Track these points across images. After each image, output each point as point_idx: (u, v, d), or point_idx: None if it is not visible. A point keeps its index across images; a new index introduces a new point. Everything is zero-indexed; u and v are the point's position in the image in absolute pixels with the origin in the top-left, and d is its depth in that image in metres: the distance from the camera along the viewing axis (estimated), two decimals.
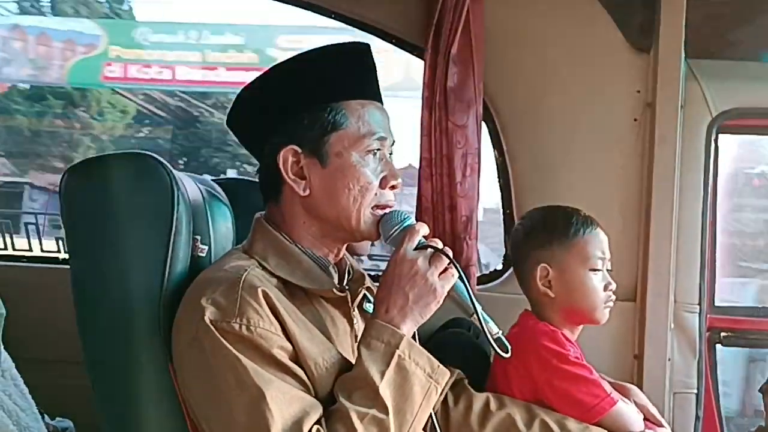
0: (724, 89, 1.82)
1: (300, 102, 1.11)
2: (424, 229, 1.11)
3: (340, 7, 1.81)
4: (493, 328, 1.10)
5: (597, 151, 1.81)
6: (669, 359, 1.78)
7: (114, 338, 1.14)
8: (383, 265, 1.14)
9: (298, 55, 1.15)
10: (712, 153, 1.85)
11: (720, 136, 1.87)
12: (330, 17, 1.84)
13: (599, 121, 1.81)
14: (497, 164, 1.84)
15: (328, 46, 1.15)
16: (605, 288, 1.39)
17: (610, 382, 1.41)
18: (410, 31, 1.79)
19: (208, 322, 1.01)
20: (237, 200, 1.42)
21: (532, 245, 1.40)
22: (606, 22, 1.79)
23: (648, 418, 1.39)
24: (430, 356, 1.06)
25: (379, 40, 1.82)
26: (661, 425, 1.40)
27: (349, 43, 1.16)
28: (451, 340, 1.58)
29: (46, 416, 1.61)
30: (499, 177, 1.84)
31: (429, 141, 1.69)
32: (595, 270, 1.38)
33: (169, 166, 1.16)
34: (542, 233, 1.39)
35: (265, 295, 1.03)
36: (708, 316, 1.85)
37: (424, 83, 1.70)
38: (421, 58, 1.74)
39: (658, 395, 1.73)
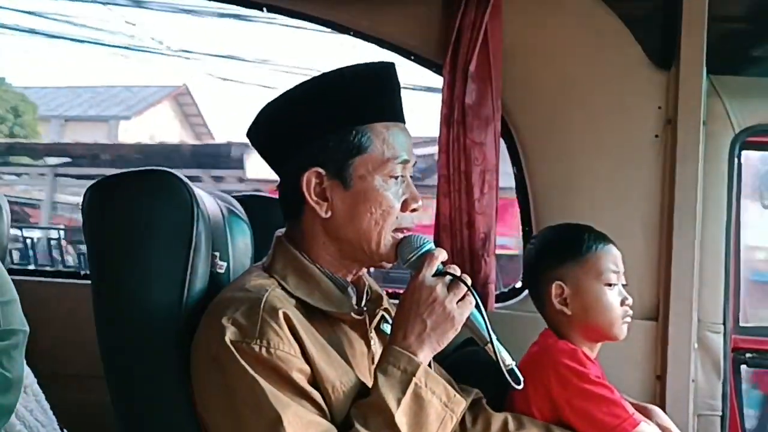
0: (747, 105, 1.80)
1: (325, 124, 1.12)
2: (442, 255, 1.11)
3: (359, 25, 1.82)
4: (506, 359, 1.10)
5: (617, 168, 1.80)
6: (693, 380, 1.75)
7: (133, 355, 1.14)
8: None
9: (325, 74, 1.15)
10: (735, 170, 1.83)
11: (743, 152, 1.85)
12: (349, 34, 1.85)
13: (619, 138, 1.80)
14: (516, 181, 1.84)
15: (354, 66, 1.15)
16: (622, 303, 1.38)
17: (632, 403, 1.39)
18: (429, 47, 1.79)
19: (228, 342, 1.02)
20: (255, 216, 1.43)
21: (545, 264, 1.39)
22: (626, 38, 1.79)
23: None
24: (447, 385, 1.06)
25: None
26: None
27: (375, 63, 1.17)
28: (469, 359, 1.56)
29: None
30: (518, 194, 1.83)
31: (447, 158, 1.69)
32: (610, 285, 1.37)
33: (189, 183, 1.18)
34: (554, 251, 1.39)
35: (286, 317, 1.04)
36: (732, 336, 1.82)
37: (442, 100, 1.70)
38: (440, 75, 1.74)
39: (681, 417, 1.69)
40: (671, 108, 1.78)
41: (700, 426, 1.76)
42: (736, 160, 1.83)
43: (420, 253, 1.11)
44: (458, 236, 1.70)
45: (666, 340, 1.75)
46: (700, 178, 1.76)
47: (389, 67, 1.17)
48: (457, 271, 1.09)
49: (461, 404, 1.06)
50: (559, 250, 1.38)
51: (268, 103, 1.17)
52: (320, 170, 1.11)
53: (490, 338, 1.08)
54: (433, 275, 1.08)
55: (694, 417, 1.75)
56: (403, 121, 1.17)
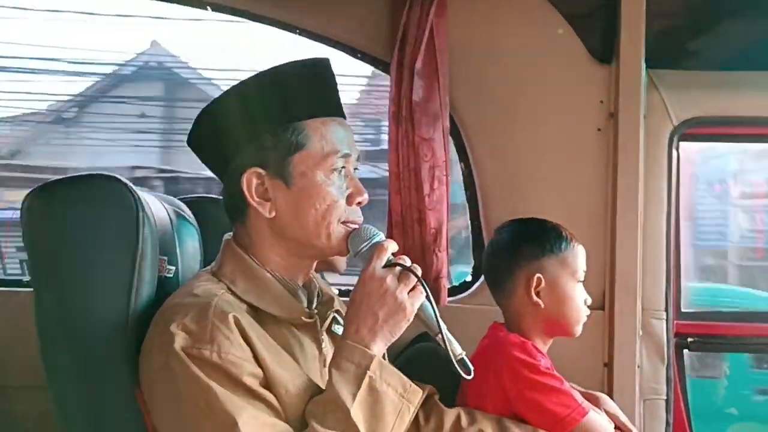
0: (685, 98, 1.86)
1: (261, 123, 1.10)
2: (392, 246, 1.10)
3: (304, 23, 1.81)
4: (456, 349, 1.11)
5: (562, 162, 1.83)
6: (638, 366, 1.80)
7: (78, 365, 1.12)
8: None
9: (257, 74, 1.14)
10: (674, 161, 1.89)
11: (681, 144, 1.91)
12: (295, 33, 1.83)
13: (564, 132, 1.83)
14: (464, 177, 1.85)
15: (286, 64, 1.14)
16: (584, 301, 1.42)
17: (581, 392, 1.42)
18: (375, 45, 1.79)
19: (178, 348, 1.00)
20: (204, 219, 1.41)
21: (521, 257, 1.41)
22: (569, 35, 1.82)
23: (619, 427, 1.41)
24: (402, 375, 1.06)
25: None
26: None
27: (309, 59, 1.15)
28: (421, 354, 1.58)
29: None
30: (466, 189, 1.85)
31: (396, 155, 1.69)
32: (580, 282, 1.42)
33: (133, 187, 1.15)
34: (532, 245, 1.41)
35: (236, 321, 1.03)
36: (675, 321, 1.88)
37: (390, 98, 1.70)
38: (387, 73, 1.74)
39: (628, 402, 1.74)
40: (613, 102, 1.82)
41: (646, 410, 1.81)
42: (675, 151, 1.89)
43: (370, 244, 1.11)
44: (410, 232, 1.70)
45: (612, 329, 1.80)
46: (641, 170, 1.81)
47: (323, 63, 1.16)
48: (407, 262, 1.09)
49: (417, 394, 1.06)
50: (540, 244, 1.40)
51: (205, 108, 1.15)
52: (260, 170, 1.10)
53: (440, 329, 1.09)
54: (384, 266, 1.08)
55: (641, 402, 1.81)
56: (342, 116, 1.16)
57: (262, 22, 1.84)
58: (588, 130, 1.83)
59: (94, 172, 1.15)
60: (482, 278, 1.86)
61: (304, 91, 1.12)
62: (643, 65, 1.81)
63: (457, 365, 1.09)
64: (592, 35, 1.83)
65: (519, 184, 1.82)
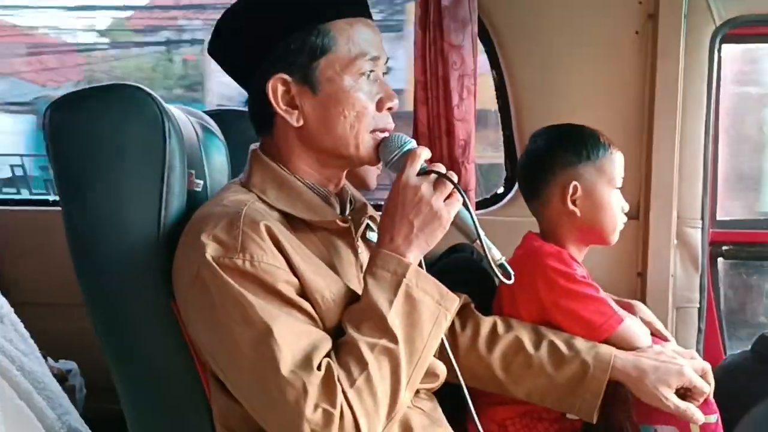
0: None
1: (284, 27, 1.05)
2: (425, 153, 1.06)
3: None
4: (495, 255, 1.08)
5: (598, 67, 1.76)
6: (672, 275, 1.78)
7: (113, 279, 1.11)
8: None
9: None
10: (716, 64, 1.81)
11: (723, 46, 1.82)
12: None
13: (600, 35, 1.76)
14: (495, 84, 1.79)
15: None
16: (622, 209, 1.38)
17: (616, 300, 1.41)
18: None
19: (210, 258, 0.98)
20: (230, 131, 1.37)
21: (558, 164, 1.37)
22: None
23: (654, 333, 1.40)
24: (438, 283, 1.04)
25: None
26: (666, 339, 1.41)
27: None
28: (456, 265, 1.56)
29: (49, 359, 1.61)
30: (498, 97, 1.79)
31: (423, 62, 1.63)
32: (617, 189, 1.38)
33: (158, 97, 1.11)
34: (568, 152, 1.36)
35: (268, 229, 1.00)
36: (710, 230, 1.85)
37: (416, 2, 1.62)
38: None
39: (661, 311, 1.74)
40: (652, 2, 1.73)
41: (678, 318, 1.81)
42: (716, 53, 1.81)
43: (402, 152, 1.07)
44: (437, 144, 1.66)
45: (647, 238, 1.77)
46: (680, 73, 1.74)
47: None
48: (442, 169, 1.05)
49: (454, 301, 1.05)
50: (576, 151, 1.36)
51: (225, 13, 1.09)
52: (285, 77, 1.05)
53: (479, 235, 1.06)
54: (417, 174, 1.04)
55: (674, 310, 1.80)
56: (369, 17, 1.10)
57: None
58: (626, 33, 1.76)
59: (118, 82, 1.11)
60: (514, 190, 1.83)
61: None
62: None
63: (497, 270, 1.07)
64: None
65: (554, 91, 1.76)
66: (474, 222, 1.06)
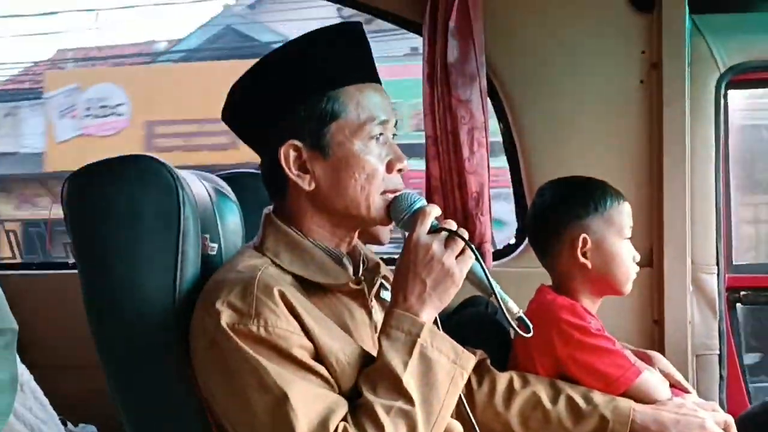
0: (732, 43, 1.79)
1: (295, 94, 1.08)
2: (435, 211, 1.07)
3: None
4: (513, 308, 1.08)
5: (605, 117, 1.78)
6: (689, 322, 1.76)
7: (129, 344, 1.12)
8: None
9: (288, 43, 1.11)
10: (722, 109, 1.82)
11: (729, 92, 1.84)
12: None
13: (605, 86, 1.78)
14: (503, 137, 1.81)
15: (317, 30, 1.11)
16: (633, 259, 1.39)
17: (633, 351, 1.40)
18: (405, 7, 1.74)
19: (225, 325, 1.00)
20: (243, 193, 1.39)
21: (567, 217, 1.37)
22: None
23: (673, 385, 1.38)
24: (454, 342, 1.04)
25: None
26: (687, 391, 1.39)
27: (339, 25, 1.12)
28: (470, 320, 1.56)
29: (69, 423, 1.61)
30: (506, 150, 1.81)
31: (433, 119, 1.66)
32: (627, 239, 1.38)
33: (171, 166, 1.14)
34: (577, 204, 1.37)
35: (282, 294, 1.01)
36: (726, 275, 1.84)
37: (424, 59, 1.66)
38: (419, 34, 1.70)
39: (680, 359, 1.71)
40: (655, 52, 1.76)
41: (698, 366, 1.78)
42: (722, 99, 1.82)
43: (412, 211, 1.08)
44: (450, 198, 1.67)
45: (662, 285, 1.76)
46: (687, 120, 1.75)
47: (355, 27, 1.12)
48: (453, 226, 1.06)
49: (470, 360, 1.04)
50: (584, 203, 1.37)
51: (238, 81, 1.12)
52: (296, 142, 1.08)
53: (493, 290, 1.06)
54: (428, 232, 1.05)
55: (693, 358, 1.77)
56: (378, 81, 1.13)
57: None
58: (630, 83, 1.78)
59: (133, 154, 1.15)
60: (526, 241, 1.83)
61: (337, 58, 1.09)
62: (686, 10, 1.73)
63: (514, 324, 1.07)
64: None
65: (561, 142, 1.77)
66: (488, 277, 1.06)
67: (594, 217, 1.36)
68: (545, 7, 1.75)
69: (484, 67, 1.68)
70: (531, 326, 1.08)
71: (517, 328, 1.07)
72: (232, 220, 1.33)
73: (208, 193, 1.28)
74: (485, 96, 1.69)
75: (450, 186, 1.68)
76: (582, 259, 1.36)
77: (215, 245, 1.24)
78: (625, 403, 1.26)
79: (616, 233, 1.37)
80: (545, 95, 1.77)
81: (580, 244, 1.36)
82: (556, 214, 1.39)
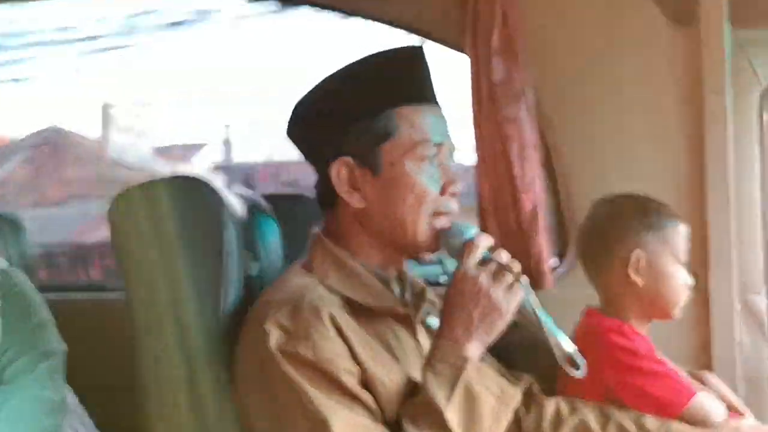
0: None
1: (350, 114, 1.08)
2: (485, 242, 1.06)
3: (372, 9, 1.78)
4: (564, 346, 1.05)
5: (645, 135, 1.75)
6: (738, 344, 1.71)
7: (172, 366, 1.12)
8: None
9: (349, 64, 1.13)
10: (766, 125, 1.78)
11: None
12: (361, 17, 1.80)
13: (645, 103, 1.75)
14: (543, 156, 1.79)
15: (377, 52, 1.12)
16: (685, 283, 1.35)
17: (687, 372, 1.35)
18: (447, 28, 1.74)
19: (273, 347, 0.99)
20: (284, 214, 1.40)
21: (622, 232, 1.34)
22: (644, 1, 1.73)
23: (729, 407, 1.33)
24: (499, 378, 1.04)
25: None
26: (742, 414, 1.34)
27: (400, 47, 1.13)
28: (519, 342, 1.52)
29: None
30: (545, 168, 1.79)
31: (481, 138, 1.65)
32: (682, 263, 1.35)
33: (215, 186, 1.15)
34: (633, 221, 1.34)
35: (331, 317, 1.01)
36: None
37: (471, 78, 1.65)
38: (464, 53, 1.69)
39: (729, 383, 1.65)
40: (695, 67, 1.73)
41: (749, 389, 1.72)
42: (765, 114, 1.78)
43: (461, 242, 1.06)
44: (503, 218, 1.65)
45: (708, 307, 1.71)
46: (730, 137, 1.71)
47: (415, 50, 1.13)
48: (503, 258, 1.04)
49: (515, 397, 1.04)
50: (639, 221, 1.34)
51: (300, 99, 1.14)
52: (349, 159, 1.08)
53: (541, 326, 1.03)
54: (479, 263, 1.04)
55: (743, 381, 1.72)
56: (436, 103, 1.13)
57: (324, 9, 1.82)
58: (670, 99, 1.74)
59: (177, 174, 1.16)
60: (566, 263, 1.80)
61: (394, 79, 1.09)
62: (728, 25, 1.71)
63: (565, 363, 1.04)
64: None
65: (600, 161, 1.74)
66: (536, 312, 1.04)
67: (650, 234, 1.33)
68: (583, 24, 1.74)
69: (528, 84, 1.67)
70: (582, 365, 1.04)
71: (567, 368, 1.04)
72: (272, 241, 1.33)
73: (250, 213, 1.28)
74: (533, 113, 1.67)
75: (502, 206, 1.65)
76: (634, 277, 1.32)
77: (256, 264, 1.25)
78: (679, 427, 1.22)
79: (671, 254, 1.34)
80: (584, 112, 1.75)
81: (633, 261, 1.32)
82: (612, 229, 1.36)
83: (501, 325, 1.03)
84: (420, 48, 1.14)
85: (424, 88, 1.12)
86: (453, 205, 1.10)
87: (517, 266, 1.04)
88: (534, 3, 1.71)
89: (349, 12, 1.80)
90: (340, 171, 1.08)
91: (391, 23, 1.77)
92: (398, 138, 1.08)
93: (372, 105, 1.08)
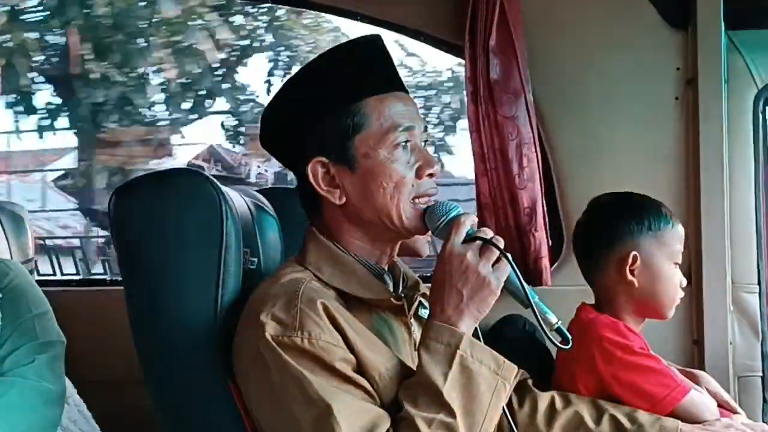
0: None
1: (316, 112, 1.09)
2: (470, 220, 1.06)
3: (368, 10, 1.79)
4: (551, 319, 1.05)
5: (640, 134, 1.77)
6: (731, 342, 1.73)
7: (172, 358, 1.13)
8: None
9: (308, 63, 1.13)
10: (760, 126, 1.80)
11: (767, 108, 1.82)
12: (356, 20, 1.81)
13: (640, 103, 1.77)
14: (541, 154, 1.81)
15: (334, 48, 1.13)
16: (679, 284, 1.36)
17: (679, 369, 1.37)
18: (443, 28, 1.76)
19: (269, 337, 1.00)
20: (282, 209, 1.41)
21: (619, 231, 1.35)
22: (641, 1, 1.75)
23: (721, 405, 1.35)
24: (494, 352, 1.03)
25: None
26: (735, 411, 1.36)
27: (356, 39, 1.13)
28: (509, 339, 1.54)
29: None
30: (540, 167, 1.80)
31: (479, 136, 1.66)
32: (676, 264, 1.35)
33: (216, 181, 1.16)
34: (629, 221, 1.35)
35: (325, 307, 1.02)
36: None
37: (466, 78, 1.67)
38: (460, 56, 1.71)
39: (721, 381, 1.65)
40: (690, 68, 1.75)
41: (740, 388, 1.74)
42: (760, 116, 1.80)
43: (446, 220, 1.07)
44: (502, 214, 1.67)
45: (701, 304, 1.73)
46: (724, 138, 1.73)
47: (371, 39, 1.13)
48: (488, 234, 1.05)
49: (513, 370, 1.03)
50: (638, 220, 1.35)
51: (267, 105, 1.15)
52: (323, 159, 1.08)
53: (529, 300, 1.04)
54: (463, 241, 1.04)
55: (735, 379, 1.74)
56: (402, 89, 1.12)
57: (321, 11, 1.83)
58: (665, 99, 1.77)
59: (178, 168, 1.16)
60: (560, 258, 1.81)
61: (355, 72, 1.09)
62: (722, 27, 1.72)
63: (552, 336, 1.05)
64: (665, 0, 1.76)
65: (596, 160, 1.77)
66: (523, 287, 1.04)
67: (647, 235, 1.34)
68: (580, 25, 1.76)
69: (529, 83, 1.68)
70: (570, 337, 1.05)
71: (555, 341, 1.05)
72: (271, 235, 1.34)
73: (249, 208, 1.29)
74: (532, 111, 1.68)
75: (501, 203, 1.67)
76: (629, 277, 1.33)
77: (255, 259, 1.25)
78: (671, 423, 1.23)
79: (667, 255, 1.34)
80: (580, 111, 1.77)
81: (629, 261, 1.33)
82: (608, 228, 1.36)
83: (491, 300, 1.03)
84: (377, 36, 1.13)
85: (386, 76, 1.12)
86: (432, 185, 1.11)
87: (501, 242, 1.05)
88: (533, 3, 1.73)
89: (346, 13, 1.81)
90: (315, 171, 1.09)
91: (389, 24, 1.79)
92: (368, 129, 1.08)
93: (336, 101, 1.08)
